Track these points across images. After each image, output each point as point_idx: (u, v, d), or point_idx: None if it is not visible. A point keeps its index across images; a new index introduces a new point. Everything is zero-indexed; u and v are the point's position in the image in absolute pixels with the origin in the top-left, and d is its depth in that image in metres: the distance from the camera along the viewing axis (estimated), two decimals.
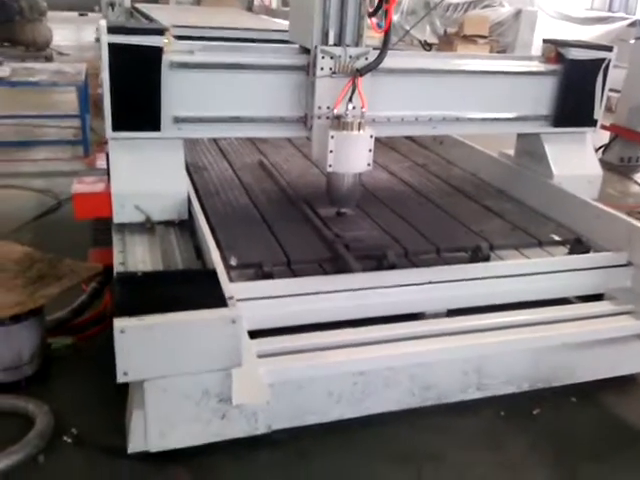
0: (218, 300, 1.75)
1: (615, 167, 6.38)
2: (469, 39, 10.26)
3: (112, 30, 2.40)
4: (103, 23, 2.44)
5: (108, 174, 2.74)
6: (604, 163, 5.94)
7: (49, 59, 11.22)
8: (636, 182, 6.16)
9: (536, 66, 3.10)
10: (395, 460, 2.39)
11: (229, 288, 1.85)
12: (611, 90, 5.70)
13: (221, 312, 1.71)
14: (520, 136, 3.37)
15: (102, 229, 3.37)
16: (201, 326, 1.68)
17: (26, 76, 5.83)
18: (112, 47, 2.40)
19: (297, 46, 2.82)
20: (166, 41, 2.50)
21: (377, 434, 2.48)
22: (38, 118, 6.99)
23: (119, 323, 1.58)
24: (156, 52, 2.46)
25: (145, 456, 2.17)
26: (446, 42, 10.56)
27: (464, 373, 2.61)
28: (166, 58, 2.50)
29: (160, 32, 2.48)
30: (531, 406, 2.72)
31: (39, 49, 11.53)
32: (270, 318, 2.15)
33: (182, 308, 1.67)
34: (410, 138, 4.31)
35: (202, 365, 1.71)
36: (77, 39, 15.19)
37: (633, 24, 10.41)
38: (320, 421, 2.40)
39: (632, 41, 6.92)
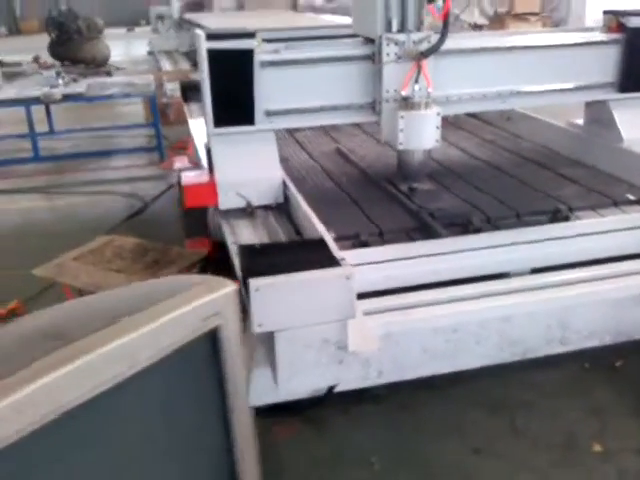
0: (332, 261, 2.00)
1: None
2: (520, 17, 10.24)
3: (210, 37, 2.69)
4: (200, 32, 2.73)
5: (209, 167, 3.04)
6: None
7: (109, 74, 11.78)
8: None
9: (599, 36, 3.23)
10: (489, 409, 2.60)
11: (338, 252, 2.11)
12: None
13: (336, 271, 1.95)
14: (588, 105, 3.50)
15: (193, 222, 3.71)
16: (321, 283, 1.93)
17: (100, 90, 6.26)
18: (210, 52, 2.69)
19: (360, 38, 3.06)
20: (256, 43, 2.77)
21: (470, 388, 2.69)
22: (111, 130, 7.48)
23: (255, 282, 1.85)
24: (249, 53, 2.73)
25: (266, 410, 2.47)
26: (497, 22, 10.55)
27: (548, 327, 2.78)
28: (257, 58, 2.77)
29: (252, 35, 2.75)
30: (613, 359, 2.88)
31: (99, 65, 12.07)
32: (371, 282, 2.38)
33: (303, 269, 1.93)
34: (475, 116, 4.47)
35: (322, 317, 1.96)
36: (128, 54, 15.78)
37: None
38: (417, 376, 2.62)
39: None
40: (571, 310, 2.71)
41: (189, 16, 13.29)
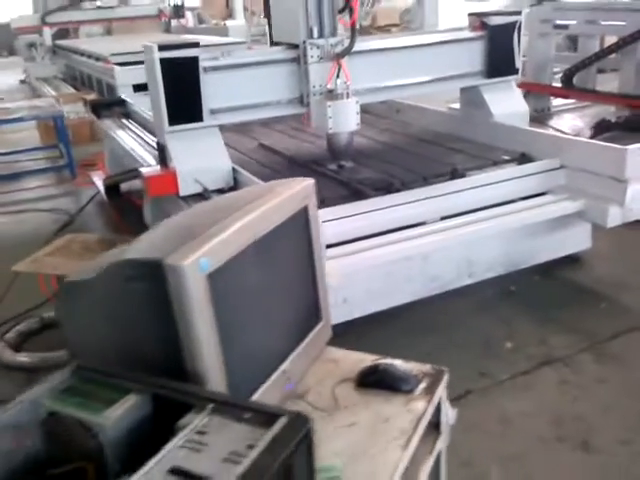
0: None
1: (532, 117, 7.45)
2: (383, 29, 11.32)
3: (161, 48, 3.16)
4: (151, 44, 3.19)
5: (161, 161, 3.49)
6: None
7: None
8: (552, 127, 7.25)
9: (467, 34, 4.04)
10: (425, 331, 3.25)
11: None
12: None
13: None
14: (463, 90, 4.30)
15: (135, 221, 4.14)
16: None
17: (7, 115, 6.37)
18: (162, 61, 3.16)
19: (283, 45, 3.66)
20: (199, 51, 3.28)
21: (406, 318, 3.34)
22: (9, 155, 7.49)
23: None
24: (195, 60, 3.23)
25: None
26: (362, 34, 11.56)
27: (458, 266, 3.52)
28: (201, 64, 3.27)
29: (196, 45, 3.25)
30: (509, 285, 3.66)
31: None
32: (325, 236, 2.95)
33: None
34: (369, 112, 5.19)
35: None
36: None
37: None
38: (363, 314, 3.24)
39: (527, 10, 8.06)
40: (474, 247, 3.47)
41: (63, 43, 13.26)
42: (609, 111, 7.41)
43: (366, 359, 1.52)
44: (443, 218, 3.32)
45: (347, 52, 3.42)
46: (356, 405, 1.17)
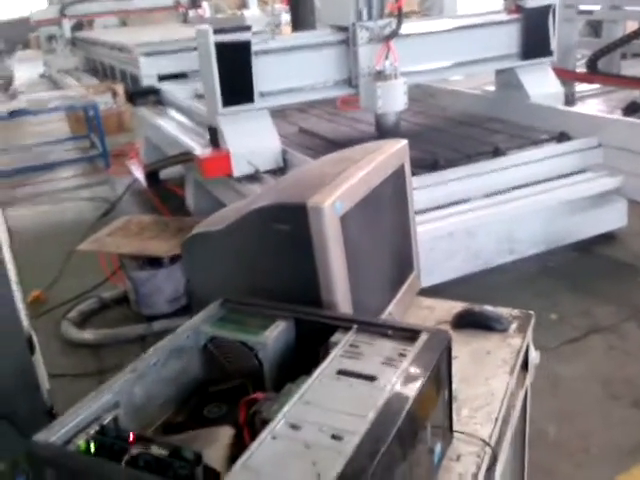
0: None
1: None
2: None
3: (216, 32, 3.28)
4: (206, 27, 3.31)
5: (213, 144, 3.62)
6: None
7: (14, 97, 11.73)
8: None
9: (503, 17, 4.14)
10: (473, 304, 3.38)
11: None
12: None
13: None
14: (498, 72, 4.40)
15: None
16: None
17: (43, 105, 6.52)
18: (217, 44, 3.28)
19: (328, 28, 3.78)
20: (251, 35, 3.40)
21: (450, 293, 3.42)
22: (45, 145, 7.68)
23: None
24: (247, 44, 3.36)
25: None
26: None
27: (499, 241, 3.63)
28: (253, 47, 3.39)
29: (249, 29, 3.37)
30: (546, 261, 3.77)
31: (5, 90, 12.07)
32: None
33: None
34: None
35: None
36: (18, 77, 15.51)
37: None
38: None
39: None
40: (515, 223, 3.58)
41: (83, 34, 13.43)
42: (634, 95, 7.47)
43: (457, 306, 1.66)
44: (486, 196, 3.44)
45: (394, 34, 3.54)
46: (457, 342, 1.29)
